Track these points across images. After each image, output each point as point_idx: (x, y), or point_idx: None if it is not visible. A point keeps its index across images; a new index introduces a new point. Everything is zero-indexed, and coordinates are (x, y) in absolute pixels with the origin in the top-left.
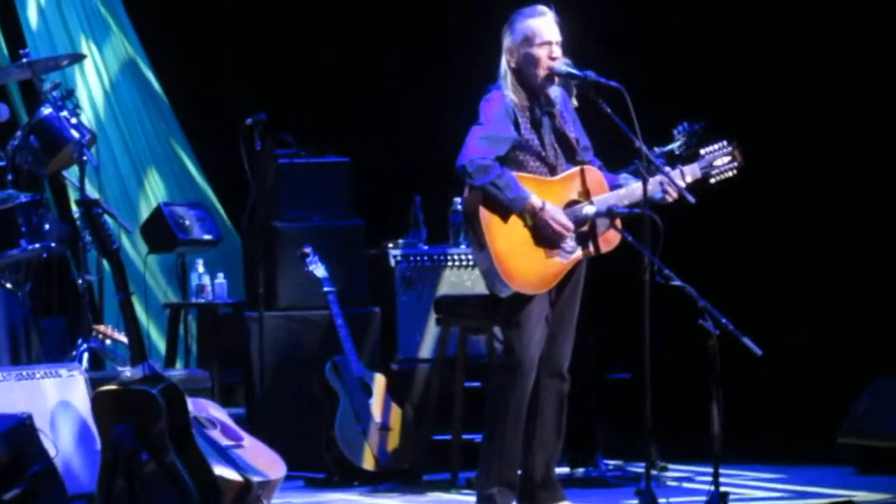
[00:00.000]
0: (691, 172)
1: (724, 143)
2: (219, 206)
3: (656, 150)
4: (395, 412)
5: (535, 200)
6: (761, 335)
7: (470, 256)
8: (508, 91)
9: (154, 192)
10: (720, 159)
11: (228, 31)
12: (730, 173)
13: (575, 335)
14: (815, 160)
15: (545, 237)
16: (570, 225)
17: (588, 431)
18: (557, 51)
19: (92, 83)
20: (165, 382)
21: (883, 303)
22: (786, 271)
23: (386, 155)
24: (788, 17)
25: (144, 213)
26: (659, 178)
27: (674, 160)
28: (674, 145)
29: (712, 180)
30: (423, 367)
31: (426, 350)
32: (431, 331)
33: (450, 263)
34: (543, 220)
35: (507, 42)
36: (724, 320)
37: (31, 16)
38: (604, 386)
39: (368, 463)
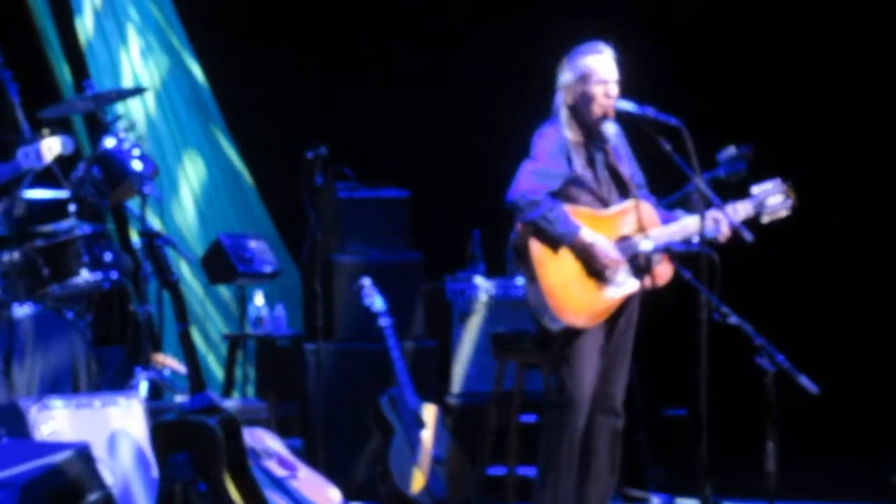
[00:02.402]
0: (744, 210)
1: (779, 181)
2: (278, 234)
3: (704, 175)
4: (451, 445)
5: (586, 234)
6: (816, 372)
7: None
8: (563, 127)
9: (201, 199)
10: (773, 198)
11: (289, 64)
12: (783, 213)
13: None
14: (875, 198)
15: (596, 271)
16: (621, 258)
17: (641, 467)
18: (614, 89)
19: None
20: (223, 413)
21: None
22: (842, 307)
23: (445, 189)
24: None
25: (189, 220)
26: (713, 214)
27: (725, 195)
28: (719, 170)
29: (765, 219)
30: (480, 401)
31: (483, 384)
32: (488, 365)
33: (507, 298)
34: (593, 253)
35: (563, 79)
36: (780, 358)
37: (87, 22)
38: (659, 422)
39: (423, 496)
